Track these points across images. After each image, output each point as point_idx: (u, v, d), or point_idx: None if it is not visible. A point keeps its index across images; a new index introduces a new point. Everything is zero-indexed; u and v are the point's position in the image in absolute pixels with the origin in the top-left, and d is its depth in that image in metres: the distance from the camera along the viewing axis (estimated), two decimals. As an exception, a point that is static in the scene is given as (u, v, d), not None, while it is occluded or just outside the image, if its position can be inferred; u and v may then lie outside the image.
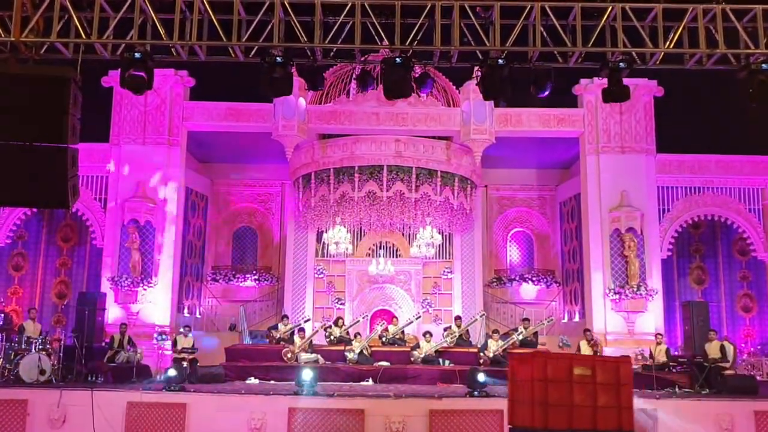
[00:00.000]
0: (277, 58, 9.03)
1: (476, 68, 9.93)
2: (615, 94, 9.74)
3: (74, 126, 8.43)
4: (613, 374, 7.80)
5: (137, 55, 8.92)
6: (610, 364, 8.14)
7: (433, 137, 16.95)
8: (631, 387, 7.92)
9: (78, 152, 8.66)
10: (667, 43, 9.62)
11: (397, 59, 9.17)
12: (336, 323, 15.96)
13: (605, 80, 10.14)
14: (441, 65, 10.23)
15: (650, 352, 13.80)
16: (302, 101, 16.33)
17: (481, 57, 9.53)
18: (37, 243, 18.17)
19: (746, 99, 9.75)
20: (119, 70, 9.48)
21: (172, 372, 11.39)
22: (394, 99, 9.69)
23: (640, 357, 14.27)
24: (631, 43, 9.66)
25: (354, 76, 16.52)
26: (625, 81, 10.03)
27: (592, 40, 9.52)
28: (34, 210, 17.23)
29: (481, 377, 11.05)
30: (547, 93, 9.77)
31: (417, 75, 10.33)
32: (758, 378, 13.94)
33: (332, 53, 9.66)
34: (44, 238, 18.18)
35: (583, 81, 16.84)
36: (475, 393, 10.84)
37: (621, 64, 9.41)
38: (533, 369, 7.77)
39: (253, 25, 9.50)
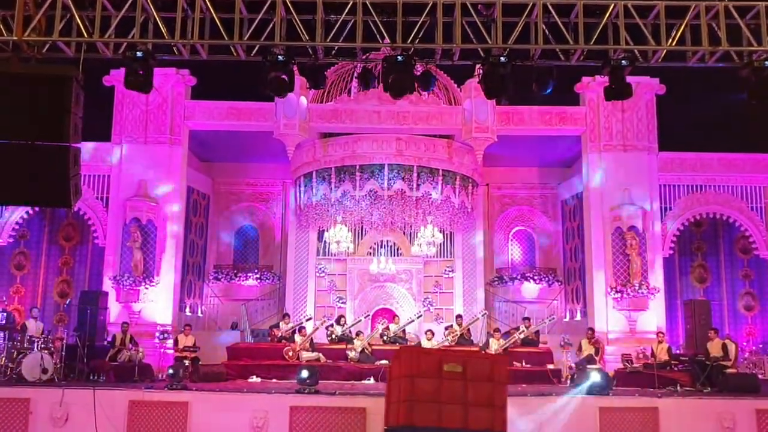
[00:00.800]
0: (279, 56, 9.04)
1: (478, 66, 9.91)
2: (617, 91, 9.73)
3: (76, 125, 8.45)
4: (487, 372, 7.35)
5: (139, 53, 8.92)
6: (484, 362, 7.75)
7: (435, 136, 16.93)
8: (505, 386, 7.46)
9: (80, 151, 8.68)
10: (670, 40, 9.60)
11: (399, 57, 9.16)
12: (338, 322, 15.97)
13: (607, 78, 10.13)
14: (443, 63, 10.22)
15: (652, 350, 13.81)
16: (303, 100, 16.32)
17: (482, 55, 9.52)
18: (39, 242, 18.19)
19: (748, 96, 9.72)
20: (121, 69, 9.51)
21: (173, 371, 11.40)
22: (395, 97, 9.68)
23: (641, 355, 14.30)
24: (633, 40, 9.65)
25: (355, 74, 16.52)
26: (627, 79, 10.01)
27: (594, 37, 9.50)
28: (36, 209, 17.22)
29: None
30: (549, 91, 9.75)
31: (419, 73, 10.33)
32: (760, 376, 13.92)
33: (334, 51, 9.66)
34: (46, 237, 18.20)
35: (585, 79, 16.81)
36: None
37: (623, 61, 9.40)
38: (401, 365, 7.34)
39: (255, 24, 9.50)
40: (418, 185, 16.58)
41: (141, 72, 8.97)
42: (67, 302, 17.05)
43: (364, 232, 18.63)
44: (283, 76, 9.22)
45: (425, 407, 7.04)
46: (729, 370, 12.43)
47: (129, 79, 9.02)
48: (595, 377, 11.17)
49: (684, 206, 17.12)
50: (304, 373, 11.01)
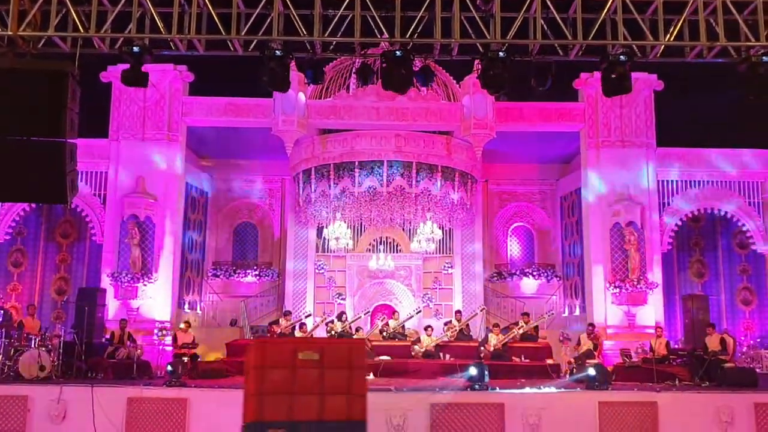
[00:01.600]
0: (276, 51, 8.99)
1: (476, 62, 9.88)
2: (616, 87, 9.67)
3: (72, 120, 8.39)
4: (345, 358, 6.90)
5: (135, 49, 8.87)
6: (341, 347, 7.36)
7: (434, 132, 16.90)
8: (363, 371, 7.10)
9: (76, 147, 8.62)
10: (668, 36, 9.59)
11: (397, 52, 9.13)
12: (339, 318, 15.96)
13: (605, 73, 10.08)
14: (441, 58, 10.21)
15: (650, 345, 13.80)
16: (302, 96, 16.28)
17: (481, 50, 9.50)
18: (36, 239, 18.13)
19: (746, 92, 9.69)
20: (118, 65, 9.45)
21: (172, 367, 11.37)
22: (394, 92, 9.65)
23: (640, 350, 14.28)
24: (631, 35, 9.64)
25: (354, 70, 16.48)
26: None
27: (593, 33, 9.49)
28: (33, 206, 17.18)
29: (482, 371, 11.04)
30: (547, 86, 9.72)
31: (417, 68, 10.29)
32: (758, 371, 13.92)
33: (332, 47, 9.63)
34: (43, 234, 18.14)
35: (583, 75, 16.77)
36: (476, 386, 10.83)
37: (621, 57, 9.36)
38: (254, 356, 6.94)
39: (252, 19, 9.47)
40: (417, 181, 16.55)
41: (138, 67, 8.91)
42: (65, 299, 17.00)
43: (363, 229, 18.64)
44: (281, 71, 9.17)
45: (276, 400, 6.61)
46: (727, 365, 12.42)
47: (126, 74, 8.96)
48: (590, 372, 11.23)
49: (682, 201, 17.09)
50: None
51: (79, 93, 8.49)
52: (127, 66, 9.36)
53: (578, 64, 11.04)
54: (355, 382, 6.80)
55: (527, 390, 11.12)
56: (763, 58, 9.28)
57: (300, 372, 6.68)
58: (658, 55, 9.96)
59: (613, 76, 9.28)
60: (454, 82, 17.19)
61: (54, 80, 8.19)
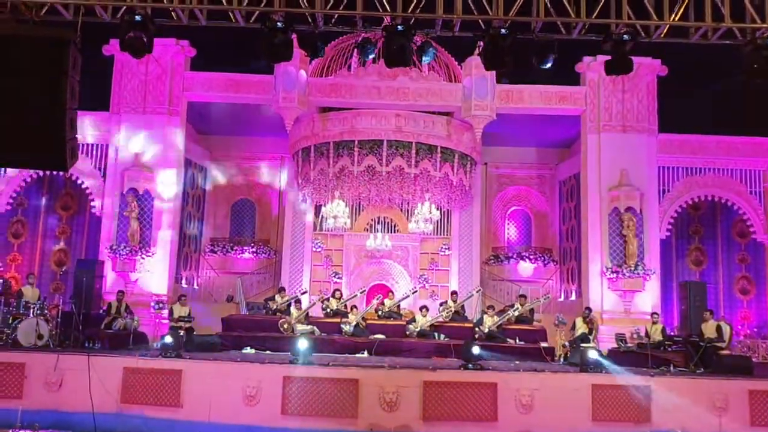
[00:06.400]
0: (278, 23, 8.92)
1: (479, 43, 9.79)
2: (618, 66, 9.59)
3: (73, 88, 8.34)
4: None
5: (138, 17, 8.80)
6: None
7: (434, 113, 16.84)
8: None
9: (77, 114, 8.58)
10: (672, 15, 9.48)
11: (399, 27, 9.05)
12: (333, 295, 16.01)
13: (608, 57, 9.98)
14: (443, 34, 10.09)
15: (646, 330, 13.84)
16: (303, 73, 16.23)
17: (483, 26, 9.41)
18: (36, 211, 18.15)
19: (749, 76, 9.59)
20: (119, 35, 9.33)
21: (168, 339, 11.42)
22: (394, 67, 9.59)
23: (636, 335, 14.34)
24: (635, 15, 9.52)
25: (355, 44, 16.37)
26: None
27: (597, 11, 9.39)
28: (35, 177, 17.22)
29: (475, 350, 11.09)
30: (548, 64, 9.64)
31: (418, 44, 10.22)
32: (754, 360, 13.94)
33: (333, 20, 9.54)
34: (44, 205, 18.14)
35: (586, 59, 16.70)
36: (470, 366, 10.87)
37: (625, 36, 9.26)
38: None
39: (255, -10, 9.36)
40: (416, 162, 16.53)
41: (138, 35, 8.83)
42: (64, 270, 17.05)
43: (361, 208, 18.65)
44: (282, 44, 9.09)
45: None
46: (723, 352, 12.43)
47: (125, 41, 8.89)
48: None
49: (682, 188, 17.12)
50: (298, 345, 11.04)
51: (81, 61, 8.45)
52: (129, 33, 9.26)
53: (581, 47, 10.91)
54: None
55: (521, 371, 11.16)
56: (768, 40, 9.17)
57: None
58: (662, 35, 9.83)
59: (617, 55, 9.17)
60: (456, 63, 17.10)
61: (55, 47, 8.14)
